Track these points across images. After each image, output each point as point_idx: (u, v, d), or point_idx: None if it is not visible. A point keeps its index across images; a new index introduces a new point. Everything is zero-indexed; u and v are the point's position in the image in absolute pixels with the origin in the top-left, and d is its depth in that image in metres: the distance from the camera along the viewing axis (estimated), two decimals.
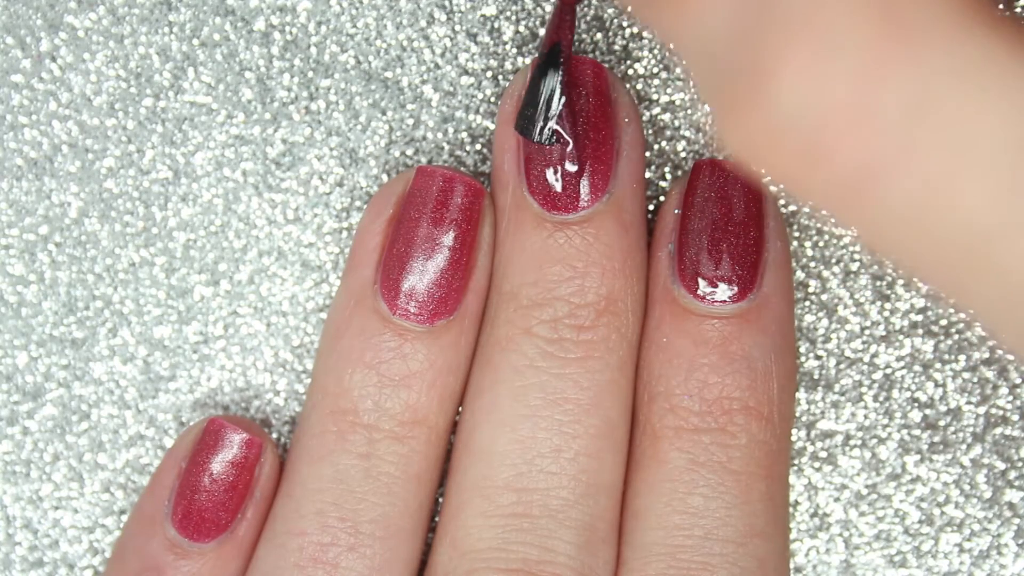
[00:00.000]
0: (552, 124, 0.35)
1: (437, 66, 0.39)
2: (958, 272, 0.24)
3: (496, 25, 0.39)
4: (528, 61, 0.38)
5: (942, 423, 0.39)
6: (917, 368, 0.39)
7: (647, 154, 0.39)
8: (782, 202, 0.38)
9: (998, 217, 0.23)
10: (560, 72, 0.34)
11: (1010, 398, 0.39)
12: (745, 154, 0.24)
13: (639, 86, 0.39)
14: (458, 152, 0.39)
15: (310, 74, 0.39)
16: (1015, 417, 0.39)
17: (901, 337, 0.39)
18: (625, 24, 0.38)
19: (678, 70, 0.33)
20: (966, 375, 0.39)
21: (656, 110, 0.39)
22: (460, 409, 0.37)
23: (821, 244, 0.39)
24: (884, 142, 0.23)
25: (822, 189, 0.24)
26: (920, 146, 0.23)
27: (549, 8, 0.38)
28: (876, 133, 0.23)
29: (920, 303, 0.39)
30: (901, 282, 0.39)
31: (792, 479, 0.39)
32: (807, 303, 0.39)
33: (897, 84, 0.23)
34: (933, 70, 0.23)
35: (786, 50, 0.23)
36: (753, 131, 0.23)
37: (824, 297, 0.39)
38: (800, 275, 0.39)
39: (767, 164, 0.24)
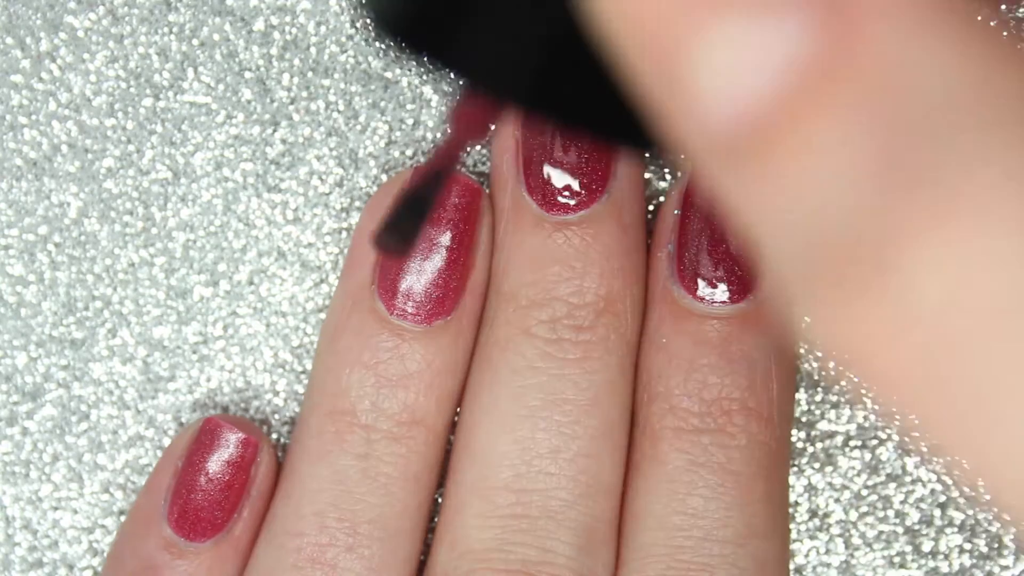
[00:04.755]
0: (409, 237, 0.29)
1: None
2: None
3: None
4: None
5: None
6: None
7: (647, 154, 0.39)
8: None
9: None
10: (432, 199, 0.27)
11: None
12: (853, 350, 0.18)
13: None
14: None
15: (310, 74, 0.39)
16: None
17: None
18: None
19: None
20: None
21: None
22: (459, 409, 0.37)
23: None
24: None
25: (940, 400, 0.18)
26: None
27: None
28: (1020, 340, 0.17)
29: None
30: None
31: (792, 479, 0.39)
32: None
33: None
34: None
35: (927, 224, 0.17)
36: (873, 322, 0.18)
37: None
38: None
39: (881, 362, 0.18)
